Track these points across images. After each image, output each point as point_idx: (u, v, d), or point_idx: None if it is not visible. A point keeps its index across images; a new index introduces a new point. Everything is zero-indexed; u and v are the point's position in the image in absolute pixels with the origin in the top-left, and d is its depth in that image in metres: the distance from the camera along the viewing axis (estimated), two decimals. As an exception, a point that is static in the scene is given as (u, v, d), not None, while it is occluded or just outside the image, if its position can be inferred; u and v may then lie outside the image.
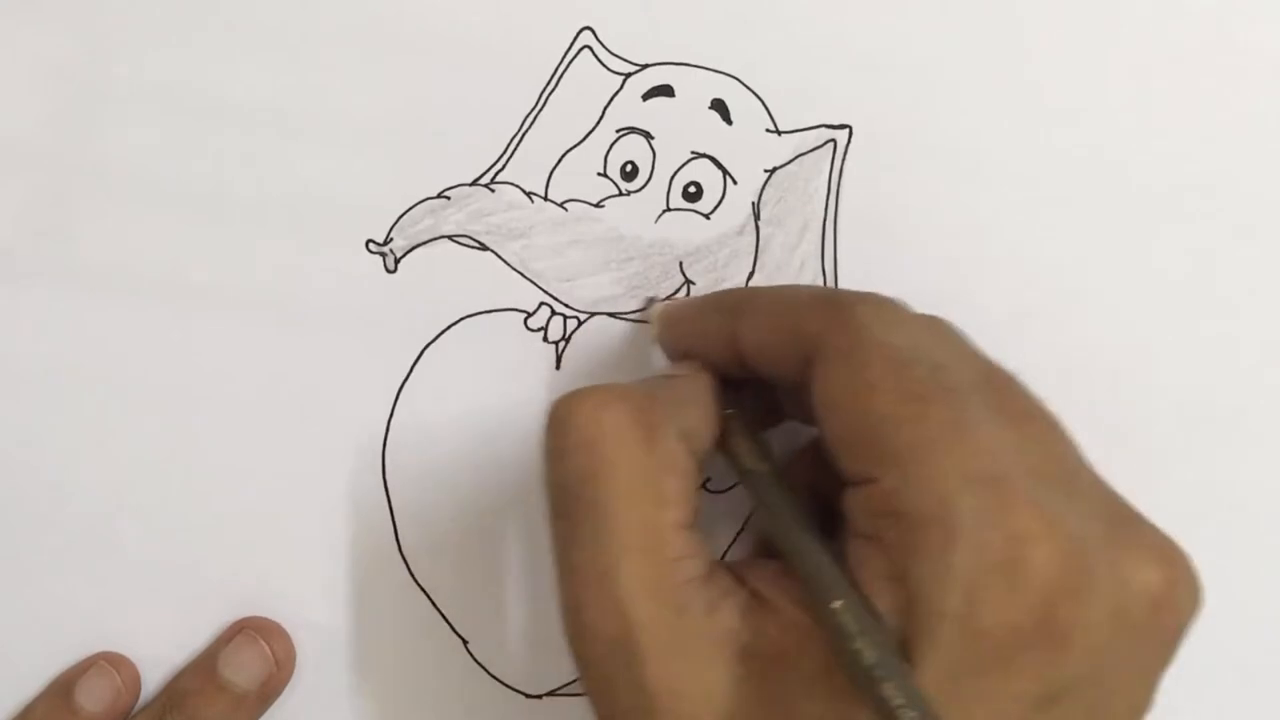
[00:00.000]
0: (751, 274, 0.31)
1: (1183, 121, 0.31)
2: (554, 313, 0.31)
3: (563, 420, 0.24)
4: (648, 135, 0.31)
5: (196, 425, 0.31)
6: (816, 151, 0.31)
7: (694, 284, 0.31)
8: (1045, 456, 0.23)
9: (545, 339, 0.31)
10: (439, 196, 0.31)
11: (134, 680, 0.31)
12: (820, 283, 0.31)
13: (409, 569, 0.32)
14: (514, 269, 0.31)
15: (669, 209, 0.31)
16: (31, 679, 0.31)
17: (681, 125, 0.31)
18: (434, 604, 0.32)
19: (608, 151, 0.31)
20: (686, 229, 0.31)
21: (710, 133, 0.31)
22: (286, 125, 0.31)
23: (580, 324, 0.31)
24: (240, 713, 0.31)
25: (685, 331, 0.29)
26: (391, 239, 0.31)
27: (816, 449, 0.26)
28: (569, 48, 0.31)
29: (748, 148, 0.31)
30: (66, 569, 0.31)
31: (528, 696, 0.32)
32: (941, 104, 0.31)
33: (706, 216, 0.31)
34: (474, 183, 0.31)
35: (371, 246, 0.31)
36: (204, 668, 0.31)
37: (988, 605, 0.22)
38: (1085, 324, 0.32)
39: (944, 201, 0.31)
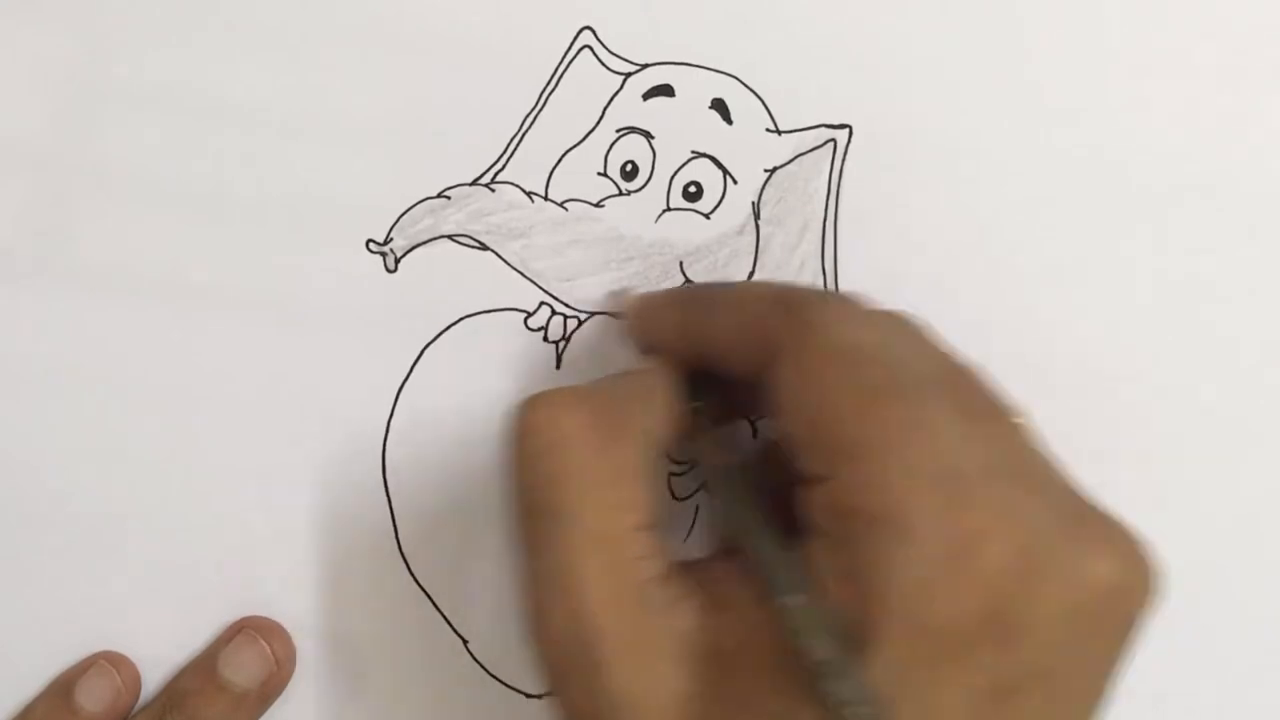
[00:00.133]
0: (751, 274, 0.31)
1: (1183, 121, 0.31)
2: (554, 312, 0.31)
3: (523, 424, 0.25)
4: (648, 135, 0.31)
5: (196, 425, 0.31)
6: (816, 151, 0.31)
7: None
8: (1004, 452, 0.23)
9: (545, 339, 0.31)
10: (439, 196, 0.31)
11: (134, 680, 0.31)
12: (820, 283, 0.31)
13: (409, 569, 0.32)
14: (514, 269, 0.31)
15: (669, 209, 0.31)
16: (31, 679, 0.31)
17: (681, 125, 0.31)
18: (434, 604, 0.32)
19: (608, 151, 0.31)
20: (686, 229, 0.31)
21: (710, 132, 0.31)
22: (286, 125, 0.31)
23: (580, 324, 0.31)
24: (240, 712, 0.31)
25: (653, 325, 0.29)
26: (391, 239, 0.31)
27: (779, 446, 0.26)
28: (569, 47, 0.31)
29: (748, 147, 0.31)
30: (66, 569, 0.31)
31: (528, 696, 0.32)
32: (941, 104, 0.31)
33: (706, 216, 0.31)
34: (474, 182, 0.31)
35: (371, 246, 0.31)
36: (204, 667, 0.31)
37: (938, 600, 0.22)
38: (1085, 324, 0.31)
39: (944, 201, 0.31)
